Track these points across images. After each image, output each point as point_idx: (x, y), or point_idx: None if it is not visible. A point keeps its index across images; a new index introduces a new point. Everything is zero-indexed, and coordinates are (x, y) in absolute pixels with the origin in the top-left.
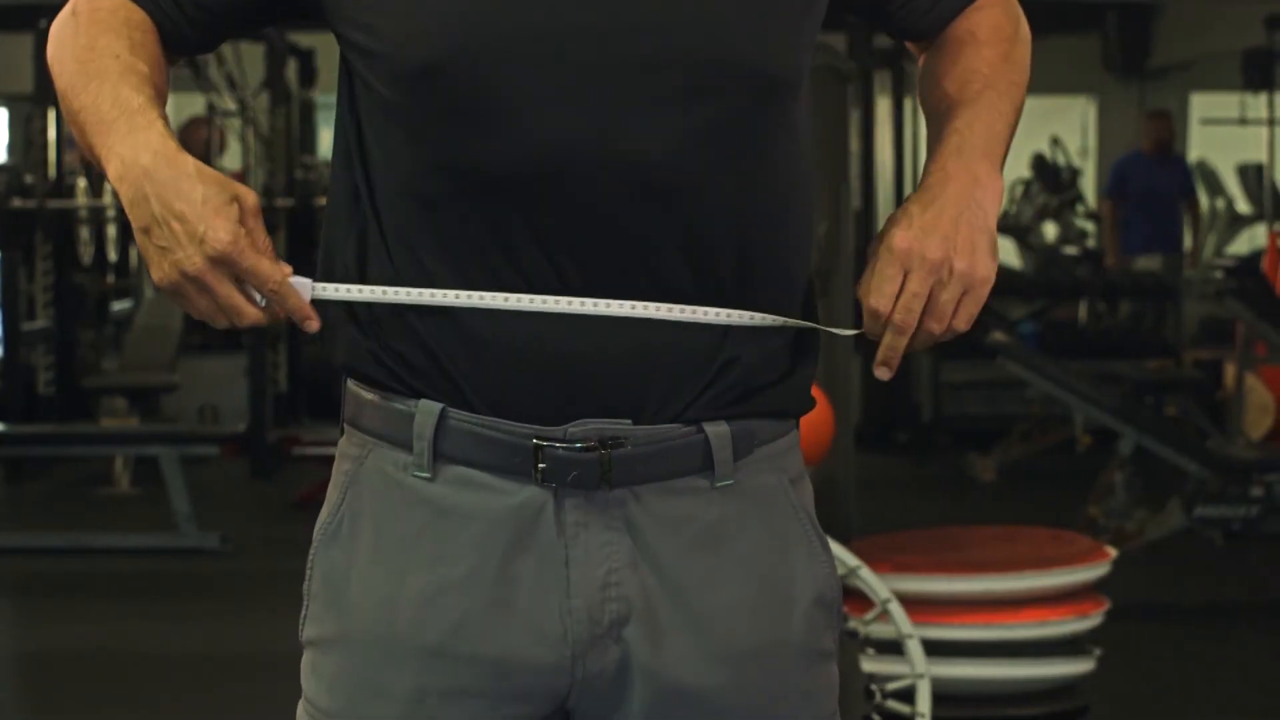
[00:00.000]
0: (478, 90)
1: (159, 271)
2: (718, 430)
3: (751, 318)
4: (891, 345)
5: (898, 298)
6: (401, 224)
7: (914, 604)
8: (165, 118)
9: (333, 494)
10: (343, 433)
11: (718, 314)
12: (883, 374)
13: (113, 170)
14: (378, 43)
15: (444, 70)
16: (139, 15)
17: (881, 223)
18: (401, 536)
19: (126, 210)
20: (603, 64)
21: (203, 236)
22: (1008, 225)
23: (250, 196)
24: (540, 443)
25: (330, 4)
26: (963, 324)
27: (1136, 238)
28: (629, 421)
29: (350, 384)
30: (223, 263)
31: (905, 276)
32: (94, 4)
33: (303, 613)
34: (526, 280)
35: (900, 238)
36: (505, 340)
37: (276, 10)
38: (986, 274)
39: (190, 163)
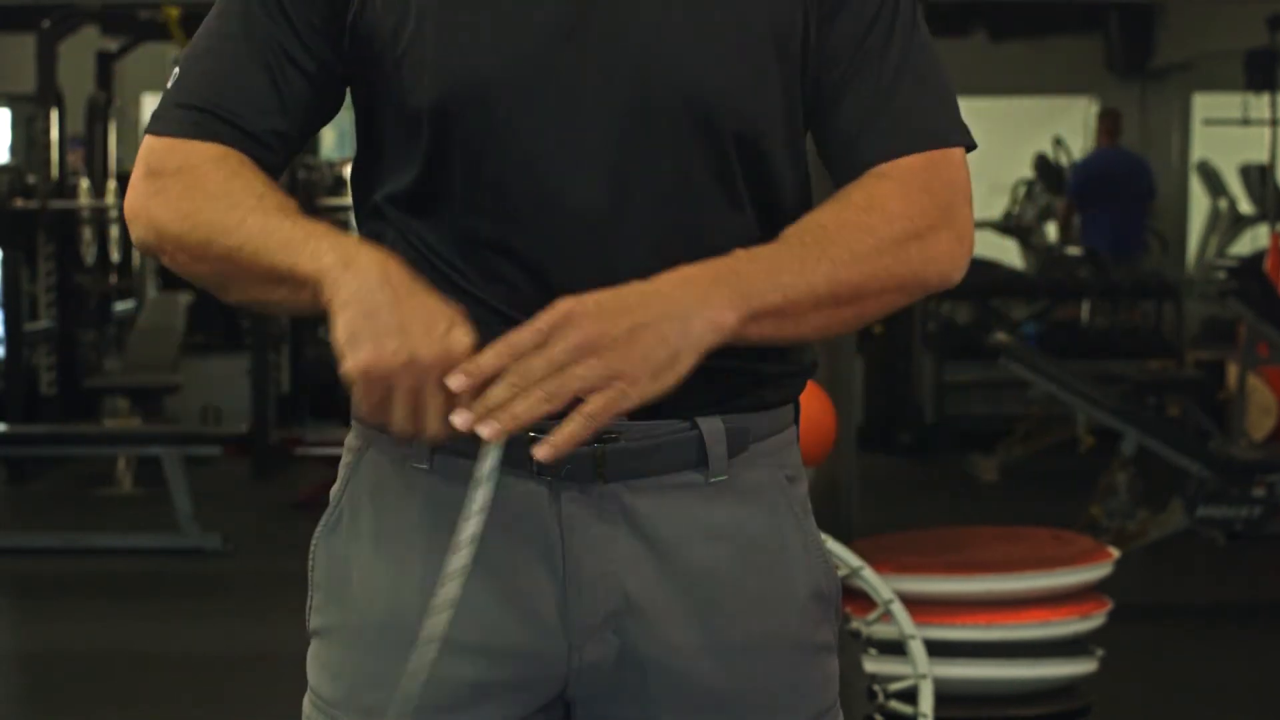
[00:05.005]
0: (473, 130)
1: (373, 352)
2: (712, 426)
3: None
4: (491, 406)
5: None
6: (407, 226)
7: (916, 604)
8: None
9: (335, 485)
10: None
11: None
12: (539, 452)
13: (333, 259)
14: (390, 84)
15: (446, 112)
16: (237, 155)
17: None
18: (400, 526)
19: (345, 297)
20: (581, 107)
21: (446, 333)
22: (1010, 226)
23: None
24: (535, 435)
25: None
26: (595, 418)
27: None
28: (624, 417)
29: None
30: (447, 369)
31: (548, 339)
32: (188, 158)
33: (308, 603)
34: (514, 291)
35: (568, 300)
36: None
37: (328, 109)
38: (643, 385)
39: (430, 294)
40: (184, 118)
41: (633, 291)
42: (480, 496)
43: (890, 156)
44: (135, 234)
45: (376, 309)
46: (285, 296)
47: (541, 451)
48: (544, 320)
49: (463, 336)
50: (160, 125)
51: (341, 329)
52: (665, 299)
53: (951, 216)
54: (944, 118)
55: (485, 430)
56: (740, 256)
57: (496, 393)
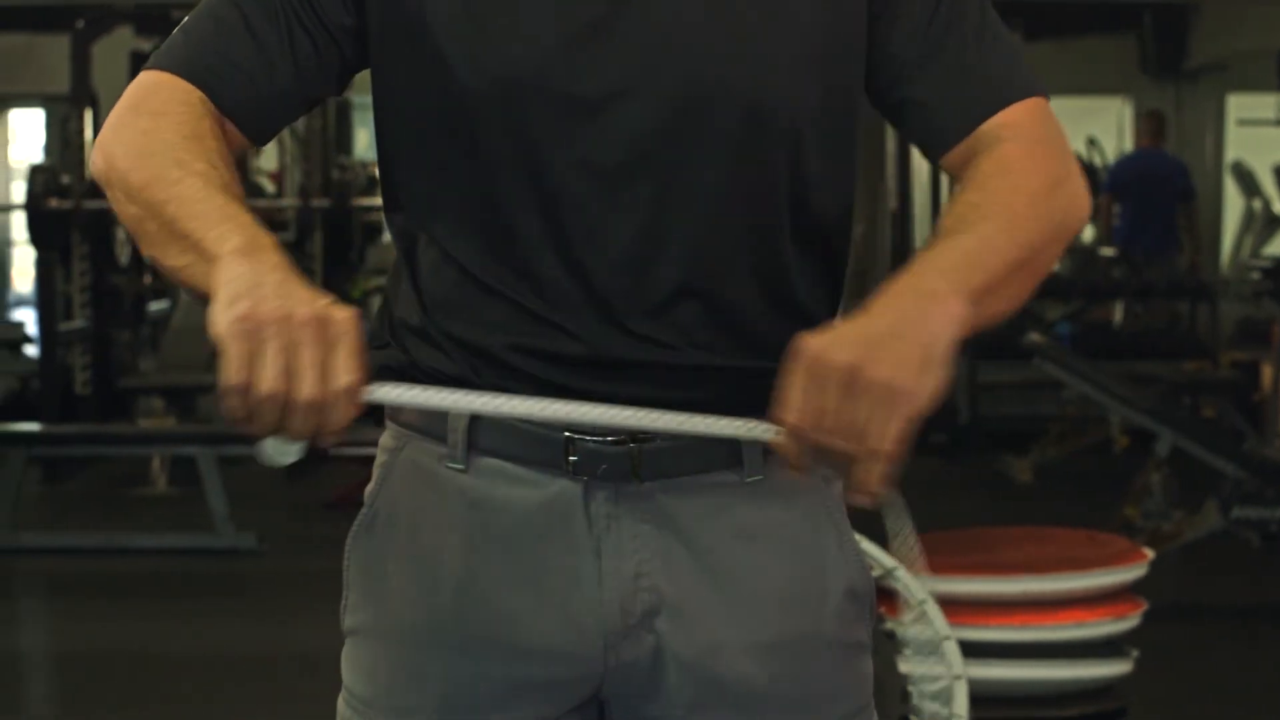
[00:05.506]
0: (510, 125)
1: (250, 306)
2: None
3: (708, 423)
4: (803, 461)
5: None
6: (435, 224)
7: (951, 605)
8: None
9: (370, 485)
10: (384, 429)
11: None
12: (860, 500)
13: (237, 244)
14: (425, 78)
15: (482, 106)
16: (211, 121)
17: (918, 224)
18: (436, 527)
19: (232, 275)
20: (617, 103)
21: (328, 305)
22: None
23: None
24: (571, 435)
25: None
26: (880, 442)
27: None
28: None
29: None
30: (326, 328)
31: (816, 386)
32: (168, 103)
33: (343, 603)
34: (546, 288)
35: (807, 344)
36: (538, 351)
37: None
38: (913, 388)
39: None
40: (183, 56)
41: (857, 319)
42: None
43: (993, 111)
44: (94, 162)
45: (262, 282)
46: (187, 265)
47: (862, 501)
48: (802, 370)
49: (346, 310)
50: (158, 60)
51: (222, 299)
52: (893, 309)
53: (1071, 161)
54: (1028, 72)
55: (863, 501)
56: (926, 257)
57: (802, 459)
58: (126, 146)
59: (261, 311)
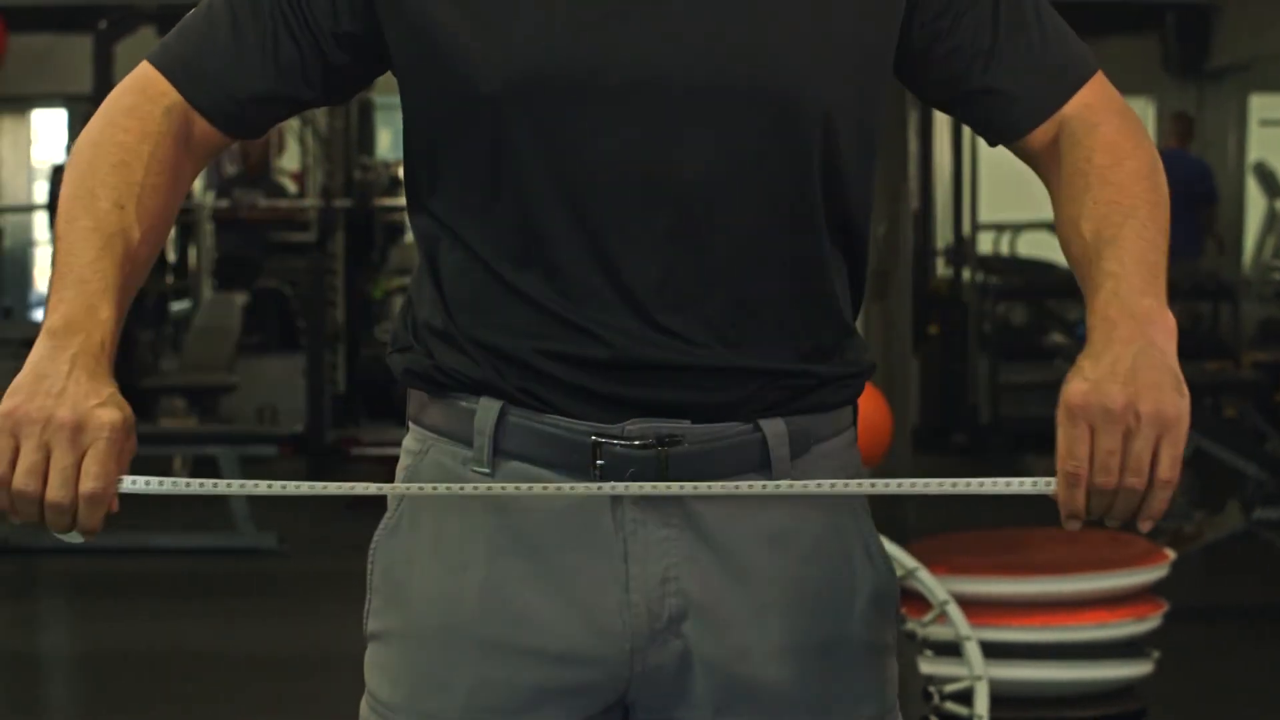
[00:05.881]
0: (540, 122)
1: (20, 402)
2: (775, 428)
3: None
4: (1094, 511)
5: (1092, 459)
6: (461, 226)
7: (972, 606)
8: (115, 312)
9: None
10: (407, 430)
11: (897, 484)
12: (1146, 527)
13: (55, 321)
14: (448, 75)
15: (509, 103)
16: (148, 146)
17: (940, 224)
18: (461, 530)
19: (34, 359)
20: (644, 91)
21: (96, 406)
22: None
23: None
24: (598, 440)
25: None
26: (1167, 471)
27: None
28: (687, 421)
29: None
30: (80, 433)
31: (1093, 434)
32: (131, 113)
33: (366, 606)
34: (573, 285)
35: (1075, 394)
36: (564, 355)
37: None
38: (1177, 412)
39: (106, 385)
40: (171, 54)
41: (1098, 359)
42: None
43: (1073, 92)
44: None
45: (48, 374)
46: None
47: (1146, 527)
48: (1070, 425)
49: (111, 413)
50: (151, 54)
51: (11, 383)
52: (1123, 340)
53: (1144, 126)
54: (1084, 46)
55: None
56: (1108, 273)
57: (1088, 507)
58: (77, 154)
59: (26, 409)
